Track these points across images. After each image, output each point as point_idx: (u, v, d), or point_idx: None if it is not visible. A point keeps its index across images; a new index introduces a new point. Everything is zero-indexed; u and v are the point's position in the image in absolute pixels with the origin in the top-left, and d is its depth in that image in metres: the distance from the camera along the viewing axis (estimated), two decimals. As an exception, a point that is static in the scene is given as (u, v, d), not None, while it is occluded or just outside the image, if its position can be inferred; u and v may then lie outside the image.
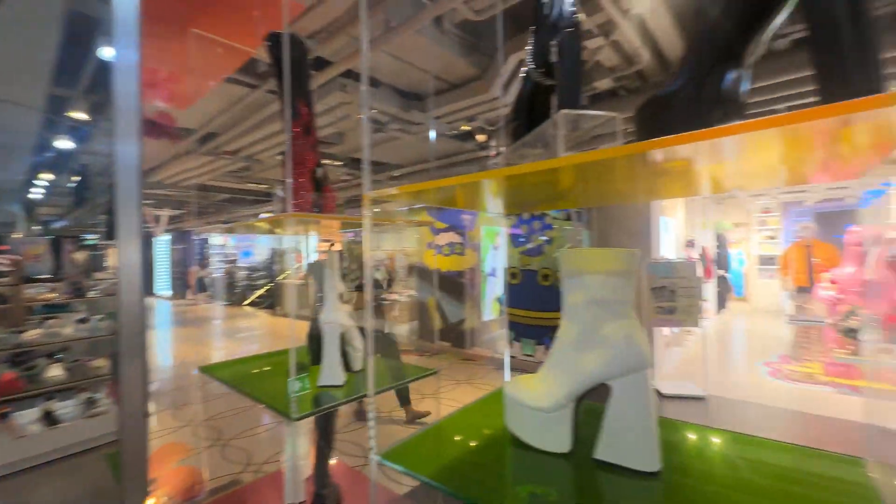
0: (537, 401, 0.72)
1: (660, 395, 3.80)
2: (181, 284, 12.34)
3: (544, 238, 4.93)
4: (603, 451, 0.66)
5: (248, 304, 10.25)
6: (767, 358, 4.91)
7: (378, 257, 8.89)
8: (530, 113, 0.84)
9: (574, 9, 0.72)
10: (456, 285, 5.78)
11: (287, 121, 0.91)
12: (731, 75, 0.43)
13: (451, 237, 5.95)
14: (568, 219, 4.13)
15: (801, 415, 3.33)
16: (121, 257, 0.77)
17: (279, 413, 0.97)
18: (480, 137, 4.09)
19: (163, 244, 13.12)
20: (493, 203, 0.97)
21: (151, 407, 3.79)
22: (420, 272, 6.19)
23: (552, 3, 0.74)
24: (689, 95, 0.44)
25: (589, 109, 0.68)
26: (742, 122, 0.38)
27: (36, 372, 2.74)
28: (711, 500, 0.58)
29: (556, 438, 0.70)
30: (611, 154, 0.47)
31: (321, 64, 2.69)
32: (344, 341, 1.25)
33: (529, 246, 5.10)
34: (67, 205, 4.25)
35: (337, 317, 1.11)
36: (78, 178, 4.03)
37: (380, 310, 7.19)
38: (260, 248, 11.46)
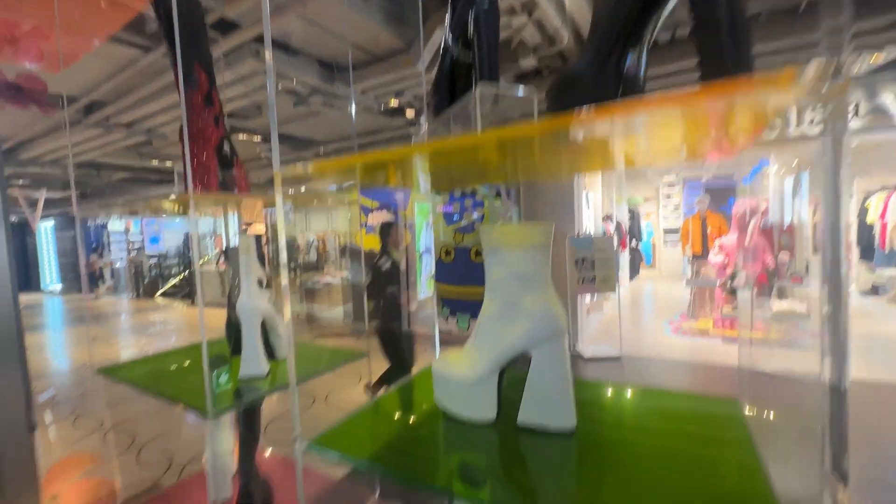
0: (462, 373, 0.74)
1: (582, 358, 4.15)
2: (74, 277, 10.82)
3: (476, 215, 5.03)
4: (525, 415, 0.70)
5: (161, 295, 9.31)
6: (670, 317, 5.56)
7: (308, 239, 8.48)
8: (451, 87, 0.83)
9: (490, -19, 0.71)
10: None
11: (181, 89, 0.80)
12: (630, 56, 0.45)
13: (384, 216, 5.84)
14: (498, 195, 4.24)
15: (694, 365, 3.84)
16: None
17: (194, 411, 0.90)
18: (409, 113, 4.01)
19: (47, 232, 11.35)
20: (421, 179, 0.96)
21: (47, 418, 3.35)
22: (353, 253, 6.03)
23: (468, -27, 0.72)
24: (593, 74, 0.46)
25: (507, 85, 0.69)
26: (637, 99, 0.41)
27: None
28: (618, 447, 0.65)
29: (482, 407, 0.73)
30: (525, 132, 0.48)
31: (228, 27, 2.42)
32: (267, 329, 1.18)
33: (463, 223, 5.18)
34: None
35: (254, 303, 1.04)
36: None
37: (311, 293, 6.90)
38: (170, 233, 10.35)
